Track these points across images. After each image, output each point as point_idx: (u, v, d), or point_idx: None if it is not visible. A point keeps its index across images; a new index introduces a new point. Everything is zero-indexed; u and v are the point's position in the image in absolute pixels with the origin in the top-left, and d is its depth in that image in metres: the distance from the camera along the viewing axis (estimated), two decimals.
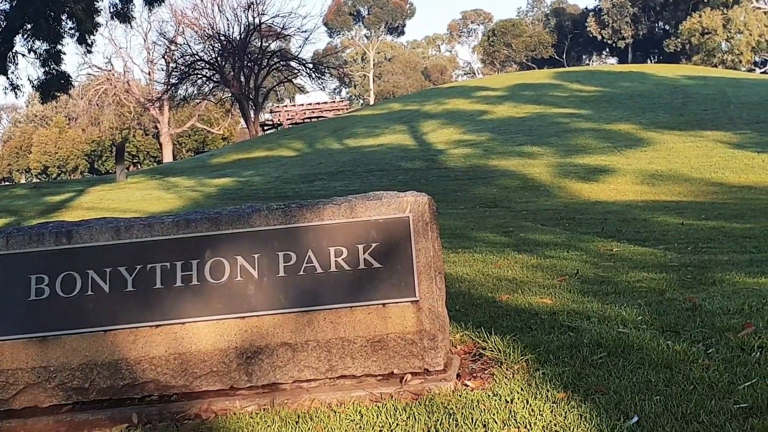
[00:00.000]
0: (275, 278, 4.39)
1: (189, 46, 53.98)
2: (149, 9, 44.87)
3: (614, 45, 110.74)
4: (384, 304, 4.38)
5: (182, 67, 52.81)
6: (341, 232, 4.46)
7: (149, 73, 73.48)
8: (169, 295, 4.38)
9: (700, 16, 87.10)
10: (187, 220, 4.55)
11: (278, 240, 4.44)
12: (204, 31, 52.74)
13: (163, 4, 41.05)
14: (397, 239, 4.43)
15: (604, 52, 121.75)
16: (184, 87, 53.59)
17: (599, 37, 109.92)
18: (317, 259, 4.41)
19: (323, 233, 4.47)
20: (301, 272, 4.39)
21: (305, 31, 54.44)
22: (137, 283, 4.39)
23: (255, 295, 4.39)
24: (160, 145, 76.73)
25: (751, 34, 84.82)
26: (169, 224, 4.53)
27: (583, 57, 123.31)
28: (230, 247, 4.44)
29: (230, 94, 54.34)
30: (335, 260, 4.41)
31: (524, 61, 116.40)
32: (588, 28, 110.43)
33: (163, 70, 58.75)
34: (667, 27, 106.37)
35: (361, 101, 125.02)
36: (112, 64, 78.54)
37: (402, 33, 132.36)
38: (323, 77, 58.96)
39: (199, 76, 52.85)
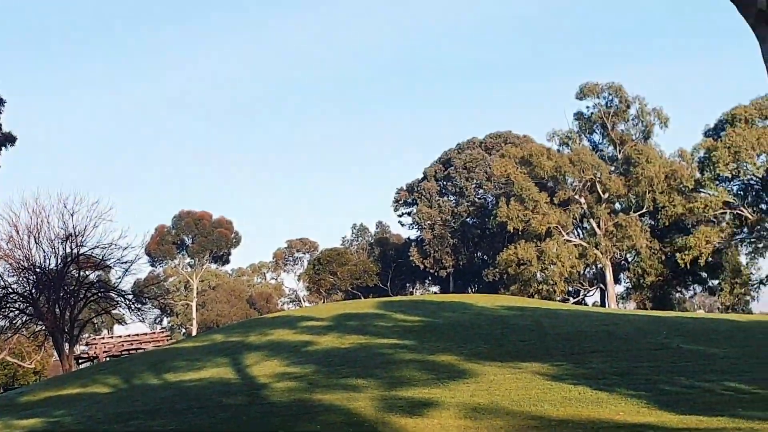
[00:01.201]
0: None
1: (1, 278, 52.00)
2: None
3: (436, 274, 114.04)
4: None
5: None
6: None
7: None
8: None
9: (516, 247, 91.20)
10: None
11: None
12: (19, 263, 51.06)
13: None
14: None
15: (426, 281, 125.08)
16: None
17: (422, 266, 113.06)
18: None
19: None
20: None
21: (126, 262, 53.12)
22: None
23: None
24: None
25: (563, 265, 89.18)
26: None
27: (407, 285, 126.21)
28: None
29: (44, 328, 52.18)
30: None
31: (350, 289, 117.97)
32: (411, 258, 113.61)
33: None
34: (485, 257, 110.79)
35: (183, 331, 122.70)
36: None
37: (227, 261, 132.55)
38: (143, 308, 57.65)
39: (11, 309, 50.73)
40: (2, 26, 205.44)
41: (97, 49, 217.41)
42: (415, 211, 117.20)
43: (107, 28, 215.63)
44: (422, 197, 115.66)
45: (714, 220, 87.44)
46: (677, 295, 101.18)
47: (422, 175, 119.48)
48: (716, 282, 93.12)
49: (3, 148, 39.26)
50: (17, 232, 51.78)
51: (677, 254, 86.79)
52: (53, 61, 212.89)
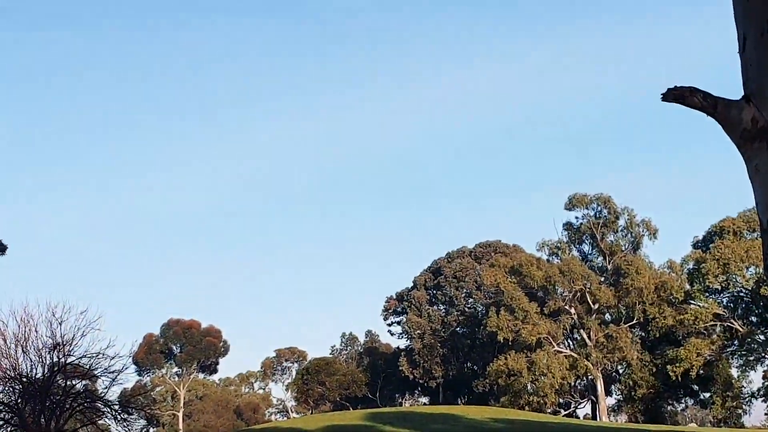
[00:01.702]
0: None
1: None
2: None
3: (426, 384, 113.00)
4: None
5: None
6: None
7: None
8: None
9: (506, 358, 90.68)
10: None
11: None
12: (5, 372, 50.50)
13: None
14: None
15: (416, 391, 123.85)
16: None
17: (411, 377, 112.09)
18: None
19: None
20: None
21: (113, 372, 52.55)
22: None
23: None
24: None
25: (554, 377, 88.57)
26: None
27: (396, 396, 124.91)
28: None
29: None
30: None
31: (338, 399, 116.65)
32: (400, 368, 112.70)
33: None
34: (475, 367, 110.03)
35: None
36: None
37: (215, 371, 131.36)
38: (129, 419, 56.78)
39: None
40: None
41: (86, 155, 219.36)
42: (404, 320, 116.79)
43: (92, 133, 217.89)
44: (412, 306, 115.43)
45: (704, 332, 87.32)
46: (669, 408, 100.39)
47: (412, 284, 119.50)
48: (707, 395, 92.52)
49: None
50: (4, 341, 51.29)
51: (668, 366, 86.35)
52: (43, 166, 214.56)
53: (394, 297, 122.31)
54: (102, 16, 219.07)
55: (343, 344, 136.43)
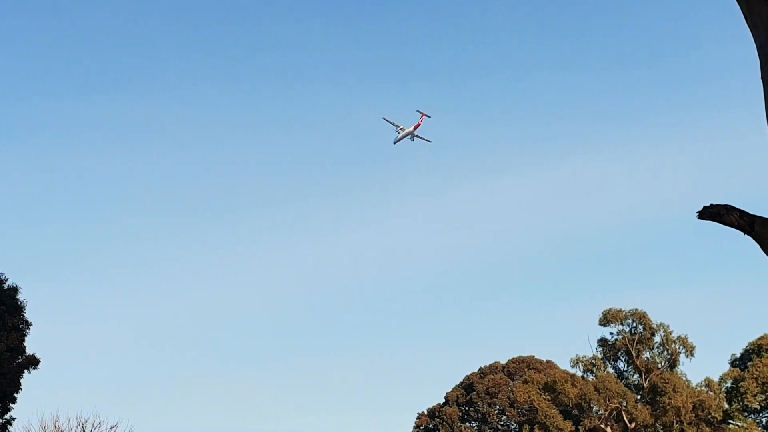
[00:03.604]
0: None
1: None
2: None
3: None
4: None
5: None
6: None
7: None
8: None
9: None
10: None
11: None
12: None
13: None
14: None
15: None
16: None
17: None
18: None
19: None
20: None
21: None
22: None
23: None
24: None
25: None
26: None
27: None
28: None
29: None
30: None
31: None
32: None
33: None
34: None
35: None
36: None
37: None
38: None
39: None
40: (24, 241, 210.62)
41: (117, 264, 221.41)
42: None
43: (129, 241, 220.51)
44: (444, 423, 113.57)
45: None
46: None
47: (444, 400, 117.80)
48: None
49: (26, 370, 39.45)
50: None
51: None
52: (80, 279, 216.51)
53: (426, 413, 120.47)
54: None
55: None
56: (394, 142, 75.63)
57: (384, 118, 76.04)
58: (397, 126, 74.73)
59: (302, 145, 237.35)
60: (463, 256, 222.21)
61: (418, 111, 73.77)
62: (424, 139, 75.64)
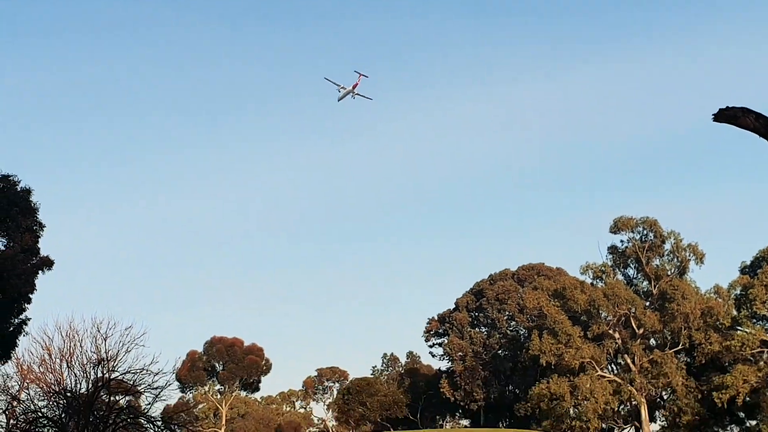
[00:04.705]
0: None
1: (32, 402, 51.84)
2: None
3: (467, 407, 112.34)
4: None
5: (23, 425, 50.35)
6: None
7: None
8: None
9: (548, 382, 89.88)
10: None
11: None
12: (50, 387, 50.94)
13: (9, 360, 39.99)
14: None
15: (457, 414, 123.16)
16: None
17: (452, 399, 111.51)
18: None
19: None
20: None
21: (156, 388, 52.87)
22: None
23: None
24: None
25: (597, 402, 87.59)
26: None
27: (437, 417, 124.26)
28: None
29: None
30: None
31: (379, 420, 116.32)
32: (441, 390, 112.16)
33: (2, 427, 55.79)
34: (517, 391, 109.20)
35: None
36: None
37: (257, 389, 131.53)
38: None
39: None
40: (43, 146, 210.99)
41: (133, 171, 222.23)
42: (446, 341, 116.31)
43: (141, 147, 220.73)
44: (453, 328, 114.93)
45: (751, 358, 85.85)
46: None
47: (454, 306, 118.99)
48: (754, 422, 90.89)
49: (40, 272, 39.86)
50: (50, 356, 51.81)
51: (714, 393, 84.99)
52: (92, 182, 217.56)
53: (436, 319, 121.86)
54: None
55: (384, 365, 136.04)
56: (338, 100, 79.77)
57: (325, 78, 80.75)
58: (339, 85, 78.21)
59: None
60: (476, 164, 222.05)
61: (355, 71, 78.09)
62: (365, 96, 79.22)
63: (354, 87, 77.61)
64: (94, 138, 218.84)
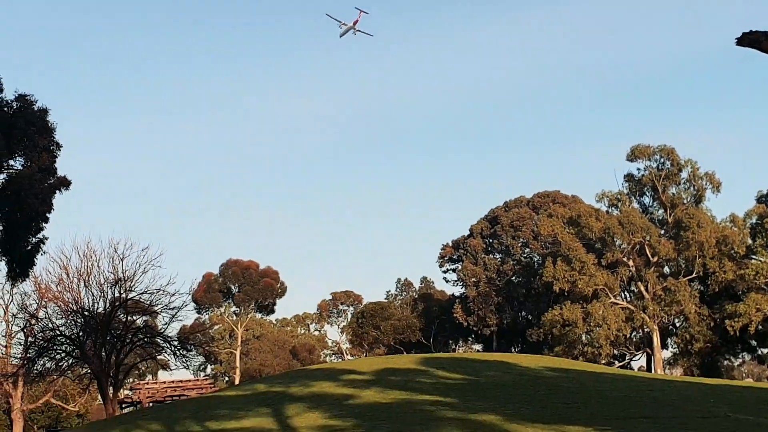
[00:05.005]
0: None
1: (50, 320, 52.65)
2: (12, 283, 44.12)
3: (480, 332, 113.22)
4: None
5: (42, 342, 51.24)
6: None
7: (6, 347, 70.95)
8: None
9: (561, 308, 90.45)
10: None
11: None
12: (68, 306, 51.67)
13: (27, 279, 40.44)
14: None
15: (470, 338, 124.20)
16: (42, 362, 51.78)
17: (465, 324, 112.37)
18: None
19: None
20: None
21: (173, 308, 53.59)
22: None
23: None
24: (11, 421, 72.94)
25: (609, 328, 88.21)
26: None
27: (450, 342, 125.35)
28: None
29: (89, 371, 52.59)
30: None
31: (392, 343, 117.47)
32: (455, 315, 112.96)
33: (21, 344, 56.78)
34: (530, 317, 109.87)
35: (227, 379, 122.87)
36: None
37: (272, 311, 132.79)
38: (188, 355, 57.88)
39: (58, 351, 51.27)
40: (59, 68, 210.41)
41: (154, 93, 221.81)
42: (460, 267, 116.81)
43: (159, 70, 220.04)
44: (468, 254, 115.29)
45: (765, 287, 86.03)
46: (726, 362, 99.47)
47: (468, 232, 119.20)
48: (766, 351, 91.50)
49: (57, 191, 40.05)
50: (68, 275, 52.52)
51: (726, 321, 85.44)
52: (110, 104, 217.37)
53: (450, 245, 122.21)
54: None
55: (398, 290, 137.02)
56: (340, 36, 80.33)
57: (327, 14, 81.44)
58: (340, 21, 78.50)
59: None
60: (493, 90, 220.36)
61: (356, 8, 78.15)
62: (365, 33, 79.56)
63: (354, 23, 77.61)
64: (112, 59, 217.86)
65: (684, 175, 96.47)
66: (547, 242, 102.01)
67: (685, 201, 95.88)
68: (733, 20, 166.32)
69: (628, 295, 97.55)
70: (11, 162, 38.74)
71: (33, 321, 54.67)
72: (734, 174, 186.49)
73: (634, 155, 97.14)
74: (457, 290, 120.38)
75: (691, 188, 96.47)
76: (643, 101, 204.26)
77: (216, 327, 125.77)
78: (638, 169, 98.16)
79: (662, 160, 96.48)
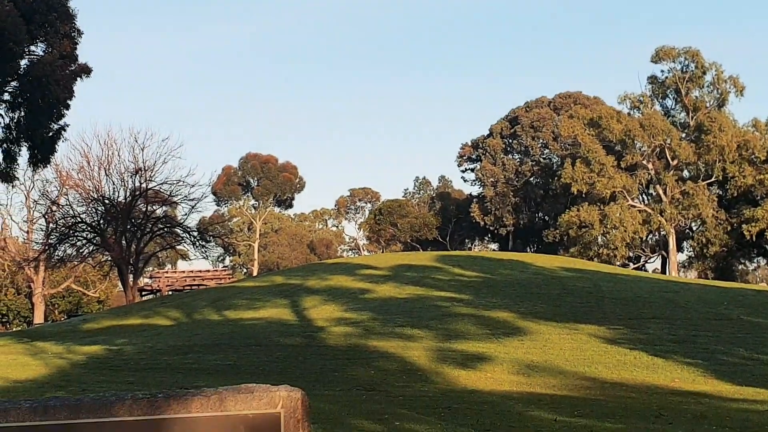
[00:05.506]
0: None
1: (71, 207, 53.22)
2: (33, 169, 44.44)
3: (496, 231, 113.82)
4: None
5: (63, 228, 51.90)
6: (209, 426, 4.25)
7: (28, 233, 72.00)
8: None
9: (578, 210, 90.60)
10: (46, 406, 4.29)
11: None
12: (89, 193, 52.16)
13: (48, 165, 40.68)
14: None
15: (486, 238, 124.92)
16: (63, 248, 52.56)
17: (482, 223, 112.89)
18: None
19: (190, 427, 4.25)
20: None
21: (193, 199, 54.06)
22: None
23: None
24: (32, 305, 74.47)
25: (626, 230, 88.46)
26: (26, 410, 4.25)
27: (466, 241, 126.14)
28: None
29: (110, 258, 53.40)
30: None
31: (409, 241, 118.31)
32: (471, 214, 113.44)
33: (42, 230, 57.51)
34: (546, 218, 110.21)
35: (245, 271, 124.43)
36: None
37: (290, 206, 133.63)
38: (207, 246, 58.63)
39: (79, 238, 51.97)
40: None
41: None
42: (478, 167, 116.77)
43: None
44: (487, 154, 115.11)
45: None
46: (740, 267, 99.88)
47: (488, 132, 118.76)
48: None
49: (78, 79, 39.97)
50: (88, 163, 52.91)
51: (743, 226, 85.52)
52: None
53: (469, 144, 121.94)
54: None
55: (416, 188, 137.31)
56: None
57: None
58: None
59: None
60: None
61: None
62: None
63: None
64: None
65: (708, 78, 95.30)
66: (567, 143, 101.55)
67: (707, 104, 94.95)
68: None
69: (645, 198, 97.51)
70: (33, 48, 38.56)
71: (54, 208, 55.33)
72: (758, 78, 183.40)
73: (658, 57, 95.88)
74: (475, 190, 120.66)
75: (715, 92, 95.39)
76: (668, 1, 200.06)
77: (235, 219, 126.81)
78: (662, 71, 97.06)
79: (686, 62, 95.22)
